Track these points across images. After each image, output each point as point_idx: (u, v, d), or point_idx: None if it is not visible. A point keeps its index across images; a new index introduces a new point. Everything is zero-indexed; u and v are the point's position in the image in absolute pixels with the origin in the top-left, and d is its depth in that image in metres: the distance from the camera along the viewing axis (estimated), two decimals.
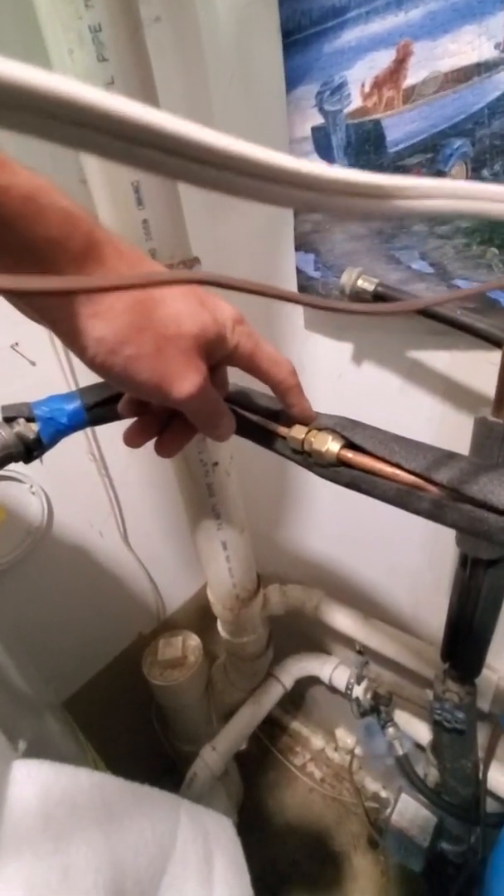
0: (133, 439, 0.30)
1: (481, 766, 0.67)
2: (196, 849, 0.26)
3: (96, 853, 0.21)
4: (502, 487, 0.23)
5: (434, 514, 0.26)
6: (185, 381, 0.22)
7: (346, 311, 0.14)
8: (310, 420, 0.29)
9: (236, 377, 0.30)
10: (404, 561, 0.75)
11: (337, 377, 0.64)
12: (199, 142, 0.09)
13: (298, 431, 0.30)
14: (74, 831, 0.21)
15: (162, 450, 0.30)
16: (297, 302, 0.13)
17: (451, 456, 0.26)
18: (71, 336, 0.21)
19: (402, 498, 0.27)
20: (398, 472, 0.26)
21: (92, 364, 0.22)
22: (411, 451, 0.26)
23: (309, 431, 0.30)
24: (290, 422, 0.30)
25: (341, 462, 0.29)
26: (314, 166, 0.09)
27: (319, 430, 0.29)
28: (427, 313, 0.45)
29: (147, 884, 0.23)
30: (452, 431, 0.55)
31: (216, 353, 0.24)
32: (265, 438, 0.33)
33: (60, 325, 0.21)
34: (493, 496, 0.23)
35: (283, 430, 0.31)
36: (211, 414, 0.26)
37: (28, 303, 0.21)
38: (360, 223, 0.49)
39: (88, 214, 0.19)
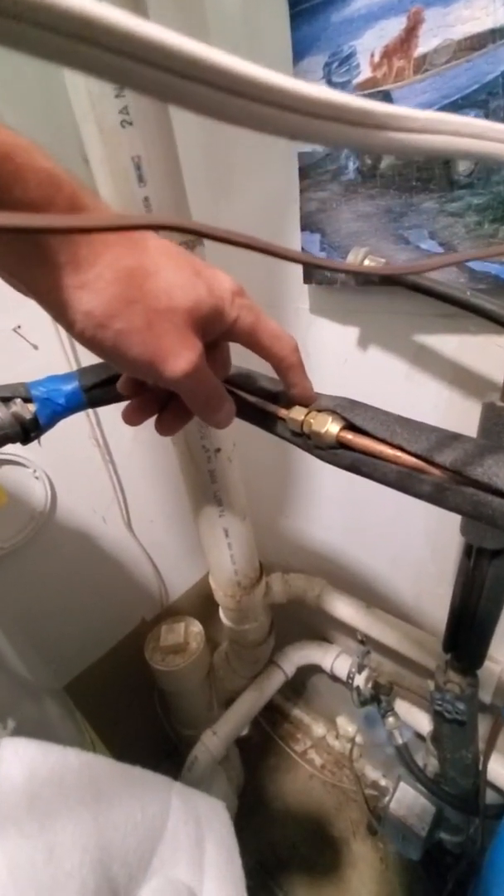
0: (132, 417, 0.29)
1: (481, 758, 0.67)
2: (188, 832, 0.26)
3: (83, 833, 0.21)
4: None
5: (436, 497, 0.25)
6: (179, 358, 0.21)
7: (333, 268, 0.13)
8: (310, 401, 0.28)
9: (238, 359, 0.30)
10: (407, 551, 0.74)
11: (342, 362, 0.63)
12: (180, 51, 0.08)
13: (298, 413, 0.29)
14: (61, 811, 0.21)
15: (162, 428, 0.29)
16: (284, 257, 0.12)
17: (455, 437, 0.25)
18: (58, 309, 0.20)
19: (403, 481, 0.26)
20: (399, 454, 0.25)
21: (81, 339, 0.21)
22: (413, 432, 0.25)
23: (308, 413, 0.29)
24: (289, 403, 0.29)
25: (341, 444, 0.28)
26: (299, 84, 0.08)
27: (319, 411, 0.28)
28: (436, 294, 0.44)
29: (135, 865, 0.23)
30: (460, 417, 0.54)
31: (213, 328, 0.23)
32: (264, 420, 0.32)
33: (47, 297, 0.19)
34: (498, 479, 0.22)
35: (282, 411, 0.30)
36: (208, 396, 0.25)
37: (12, 273, 0.20)
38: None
39: (73, 177, 0.18)
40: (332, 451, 0.28)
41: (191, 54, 0.07)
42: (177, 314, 0.21)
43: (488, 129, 0.10)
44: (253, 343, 0.25)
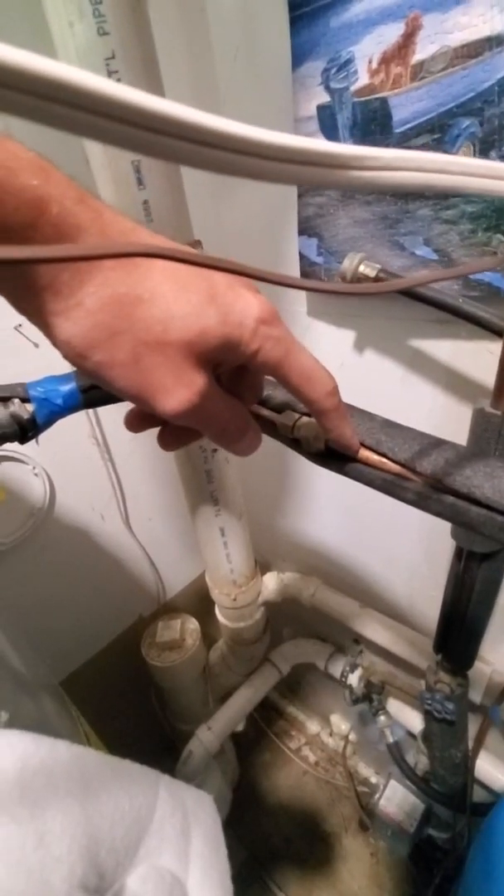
0: (133, 423, 0.27)
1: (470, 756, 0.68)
2: (174, 822, 0.27)
3: (72, 821, 0.22)
4: (486, 479, 0.23)
5: (419, 503, 0.25)
6: (170, 396, 0.19)
7: (338, 292, 0.13)
8: (352, 450, 0.26)
9: None
10: (402, 553, 0.74)
11: (339, 365, 0.63)
12: (152, 110, 0.08)
13: (288, 418, 0.30)
14: (51, 800, 0.22)
15: (163, 443, 0.27)
16: (262, 279, 0.13)
17: (438, 444, 0.25)
18: (43, 331, 0.18)
19: (388, 487, 0.27)
20: (385, 461, 0.26)
21: (68, 361, 0.19)
22: (398, 439, 0.26)
23: (299, 418, 0.29)
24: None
25: (330, 450, 0.28)
26: (267, 133, 0.08)
27: (309, 416, 0.29)
28: (429, 301, 0.44)
29: (122, 853, 0.24)
30: (454, 422, 0.54)
31: (227, 360, 0.20)
32: (258, 423, 0.32)
33: (31, 318, 0.18)
34: (476, 489, 0.23)
35: (273, 415, 0.31)
36: (222, 428, 0.22)
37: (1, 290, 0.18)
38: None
39: (67, 193, 0.16)
40: (322, 457, 0.29)
41: (164, 113, 0.08)
42: (172, 347, 0.18)
43: (449, 164, 0.10)
44: (280, 380, 0.21)
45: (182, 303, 0.18)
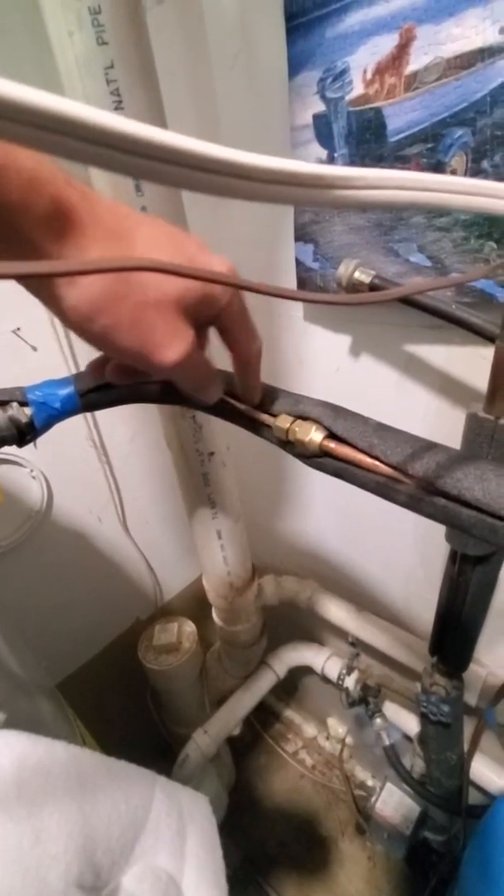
0: (104, 373, 0.29)
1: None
2: (169, 822, 0.27)
3: (68, 820, 0.22)
4: (477, 482, 0.23)
5: (412, 505, 0.26)
6: (169, 349, 0.21)
7: (338, 302, 0.14)
8: (252, 402, 0.29)
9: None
10: (398, 556, 0.75)
11: (335, 369, 0.64)
12: (147, 140, 0.09)
13: (283, 421, 0.30)
14: (48, 799, 0.22)
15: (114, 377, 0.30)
16: (259, 292, 0.13)
17: (430, 447, 0.26)
18: (50, 302, 0.20)
19: (381, 489, 0.27)
20: (377, 463, 0.27)
21: (72, 329, 0.21)
22: (391, 442, 0.26)
23: (294, 421, 0.30)
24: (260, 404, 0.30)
25: (324, 452, 0.29)
26: (259, 158, 0.09)
27: (304, 419, 0.30)
28: (423, 307, 0.45)
29: (118, 853, 0.24)
30: (447, 427, 0.55)
31: (205, 313, 0.23)
32: (253, 426, 0.33)
33: (38, 290, 0.20)
34: (466, 492, 0.23)
35: (268, 419, 0.31)
36: (199, 379, 0.25)
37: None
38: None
39: (58, 175, 0.18)
40: (316, 459, 0.29)
41: (160, 143, 0.08)
42: (166, 305, 0.21)
43: (428, 182, 0.11)
44: (233, 331, 0.25)
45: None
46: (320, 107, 0.48)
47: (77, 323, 0.20)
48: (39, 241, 0.19)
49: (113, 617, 0.97)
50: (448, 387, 0.54)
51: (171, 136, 0.08)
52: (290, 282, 0.60)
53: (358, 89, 0.45)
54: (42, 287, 0.20)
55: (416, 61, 0.42)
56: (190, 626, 0.95)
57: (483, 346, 0.48)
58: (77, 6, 0.40)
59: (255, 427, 0.33)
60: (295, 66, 0.48)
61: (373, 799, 0.71)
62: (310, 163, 0.10)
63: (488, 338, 0.42)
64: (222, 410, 0.32)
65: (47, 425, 0.38)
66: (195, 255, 0.22)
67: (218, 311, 0.23)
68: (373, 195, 0.10)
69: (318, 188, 0.09)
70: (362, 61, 0.44)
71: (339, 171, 0.10)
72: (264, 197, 0.09)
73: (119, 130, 0.08)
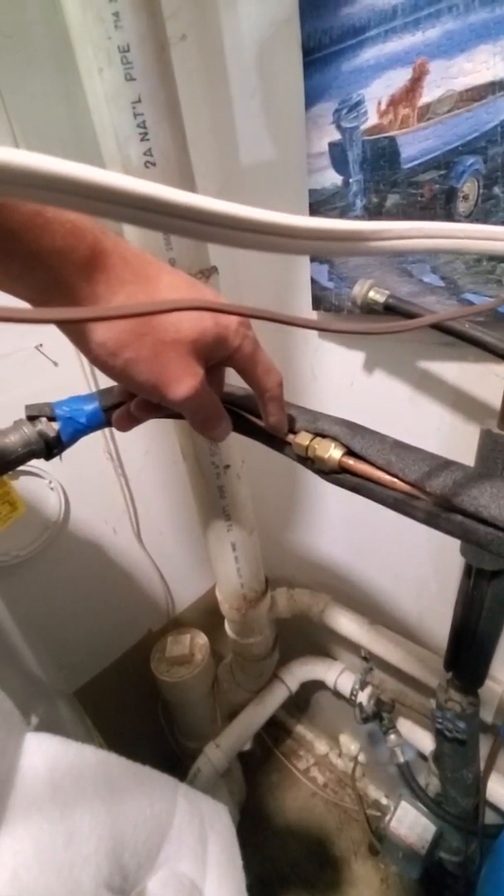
0: (128, 420, 0.32)
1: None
2: (192, 830, 0.28)
3: (98, 823, 0.23)
4: (493, 500, 0.24)
5: (430, 522, 0.27)
6: (181, 384, 0.24)
7: (345, 331, 0.15)
8: (282, 433, 0.31)
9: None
10: (411, 569, 0.75)
11: (349, 385, 0.65)
12: (215, 211, 0.10)
13: (303, 438, 0.31)
14: (79, 801, 0.23)
15: (120, 424, 0.33)
16: (292, 324, 0.14)
17: (447, 465, 0.27)
18: (77, 337, 0.23)
19: (399, 505, 0.28)
20: (395, 480, 0.28)
21: (95, 363, 0.24)
22: (408, 460, 0.27)
23: (313, 439, 0.31)
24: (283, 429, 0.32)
25: (343, 469, 0.30)
26: (302, 219, 0.10)
27: (323, 436, 0.31)
28: (436, 326, 0.46)
29: (144, 857, 0.25)
30: (461, 442, 0.56)
31: (216, 354, 0.25)
32: (273, 443, 0.34)
33: (70, 328, 0.23)
34: (483, 509, 0.24)
35: (289, 436, 0.32)
36: (208, 415, 0.27)
37: (36, 305, 0.23)
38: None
39: (96, 226, 0.21)
40: (335, 475, 0.30)
41: (221, 212, 0.10)
42: (181, 344, 0.23)
43: (451, 230, 0.12)
44: (248, 370, 0.27)
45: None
46: (336, 135, 0.50)
47: (103, 357, 0.23)
48: (74, 281, 0.21)
49: (126, 628, 0.97)
50: (461, 402, 0.54)
51: (231, 206, 0.10)
52: (305, 300, 0.61)
53: (372, 119, 0.47)
54: (71, 324, 0.22)
55: (429, 94, 0.44)
56: (202, 638, 0.95)
57: (496, 364, 0.49)
58: (107, 45, 0.43)
59: (276, 444, 0.34)
60: (312, 98, 0.50)
61: (387, 817, 0.70)
62: (346, 220, 0.11)
63: (501, 356, 0.43)
64: (244, 427, 0.34)
65: (73, 439, 0.40)
66: (213, 302, 0.25)
67: (230, 352, 0.25)
68: (401, 244, 0.11)
69: (354, 241, 0.11)
70: (377, 93, 0.46)
71: (373, 225, 0.11)
72: (308, 251, 0.11)
73: (191, 205, 0.09)
